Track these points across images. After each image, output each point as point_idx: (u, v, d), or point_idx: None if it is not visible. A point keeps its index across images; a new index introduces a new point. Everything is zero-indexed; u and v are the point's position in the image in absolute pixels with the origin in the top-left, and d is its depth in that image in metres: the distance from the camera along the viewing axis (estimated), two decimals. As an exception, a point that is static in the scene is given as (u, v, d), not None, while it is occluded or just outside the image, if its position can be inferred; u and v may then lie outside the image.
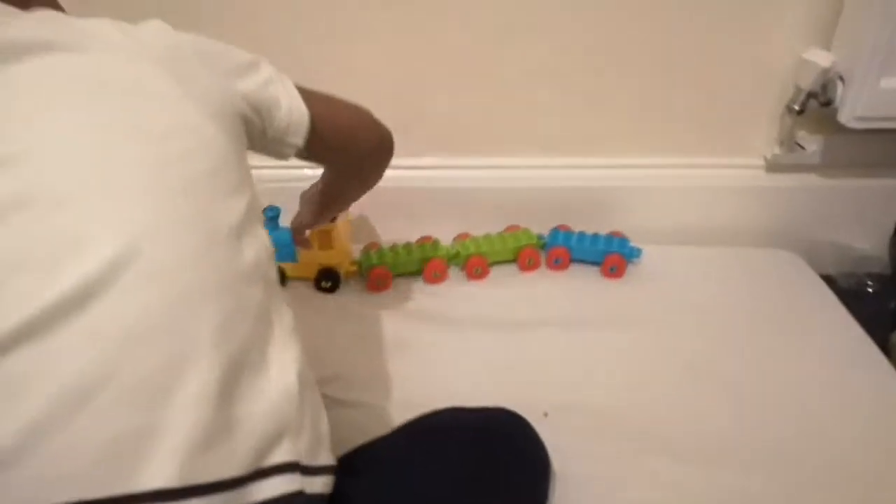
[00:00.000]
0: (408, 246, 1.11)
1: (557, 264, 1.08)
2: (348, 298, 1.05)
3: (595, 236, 1.10)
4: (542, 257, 1.10)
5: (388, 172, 0.80)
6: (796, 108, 1.05)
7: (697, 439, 0.79)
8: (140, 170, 0.45)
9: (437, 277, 1.07)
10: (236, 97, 0.54)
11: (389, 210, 1.13)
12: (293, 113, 0.60)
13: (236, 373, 0.44)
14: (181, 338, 0.43)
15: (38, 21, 0.48)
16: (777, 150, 1.12)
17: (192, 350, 0.43)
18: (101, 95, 0.46)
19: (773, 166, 1.14)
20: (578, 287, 1.05)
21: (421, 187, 1.14)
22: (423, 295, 1.05)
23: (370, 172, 0.79)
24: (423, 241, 1.13)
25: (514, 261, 1.10)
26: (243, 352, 0.46)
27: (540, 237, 1.10)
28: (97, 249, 0.41)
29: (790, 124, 1.09)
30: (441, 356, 0.92)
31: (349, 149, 0.73)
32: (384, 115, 0.73)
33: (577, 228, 1.12)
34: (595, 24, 1.02)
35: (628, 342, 0.93)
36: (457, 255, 1.09)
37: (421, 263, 1.08)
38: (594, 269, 1.07)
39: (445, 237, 1.14)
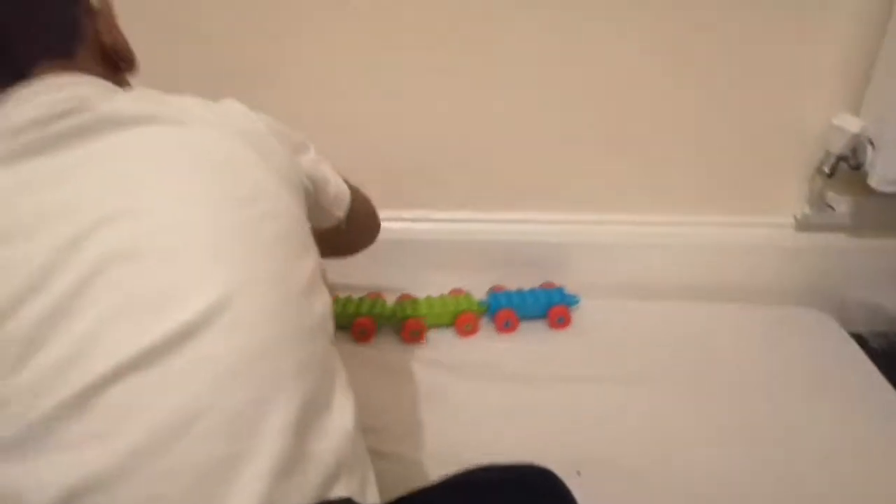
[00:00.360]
0: (349, 299, 1.09)
1: (508, 327, 1.05)
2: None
3: (534, 291, 1.09)
4: (481, 322, 1.06)
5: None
6: (826, 171, 1.06)
7: (729, 502, 0.79)
8: (232, 231, 0.51)
9: (363, 335, 1.04)
10: (300, 170, 0.60)
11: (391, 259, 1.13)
12: (339, 189, 0.69)
13: (309, 413, 0.49)
14: (264, 378, 0.48)
15: (140, 97, 0.54)
16: (807, 210, 1.13)
17: (273, 389, 0.48)
18: (198, 163, 0.52)
19: (802, 225, 1.14)
20: (570, 343, 1.04)
21: (419, 239, 1.15)
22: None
23: (360, 247, 0.88)
24: (372, 296, 1.10)
25: (451, 325, 1.06)
26: (314, 395, 0.50)
27: (481, 303, 1.08)
28: (195, 299, 0.46)
29: (820, 186, 1.10)
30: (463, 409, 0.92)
31: (363, 226, 0.82)
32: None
33: (599, 284, 1.12)
34: (627, 84, 1.05)
35: (651, 398, 0.93)
36: (393, 315, 1.05)
37: (353, 318, 1.05)
38: (542, 324, 1.06)
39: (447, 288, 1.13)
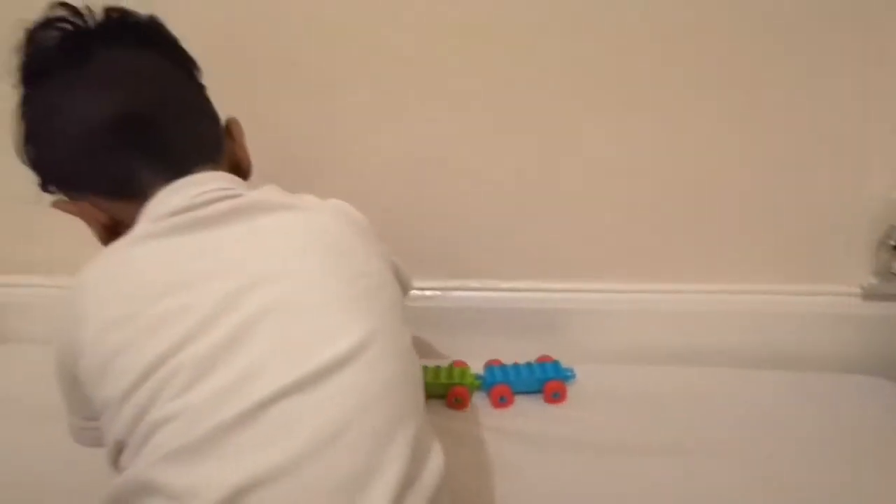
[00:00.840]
0: None
1: (503, 402, 1.02)
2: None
3: (529, 365, 1.07)
4: (472, 397, 1.03)
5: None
6: (892, 244, 1.03)
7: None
8: (357, 294, 0.62)
9: None
10: (389, 255, 0.72)
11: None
12: (406, 270, 0.78)
13: (420, 445, 0.58)
14: (392, 407, 0.57)
15: (273, 190, 0.67)
16: (873, 280, 1.09)
17: (398, 418, 0.57)
18: (322, 241, 0.64)
19: (869, 294, 1.09)
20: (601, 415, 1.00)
21: (445, 307, 1.16)
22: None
23: None
24: None
25: (443, 397, 1.03)
26: (422, 431, 0.60)
27: (477, 377, 1.05)
28: (341, 341, 0.57)
29: (886, 257, 1.06)
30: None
31: None
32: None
33: (670, 355, 1.12)
34: (684, 150, 1.04)
35: (700, 468, 0.89)
36: None
37: None
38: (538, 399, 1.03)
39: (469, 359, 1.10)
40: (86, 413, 0.64)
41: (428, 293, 1.16)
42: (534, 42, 0.97)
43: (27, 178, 0.69)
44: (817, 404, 1.03)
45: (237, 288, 0.58)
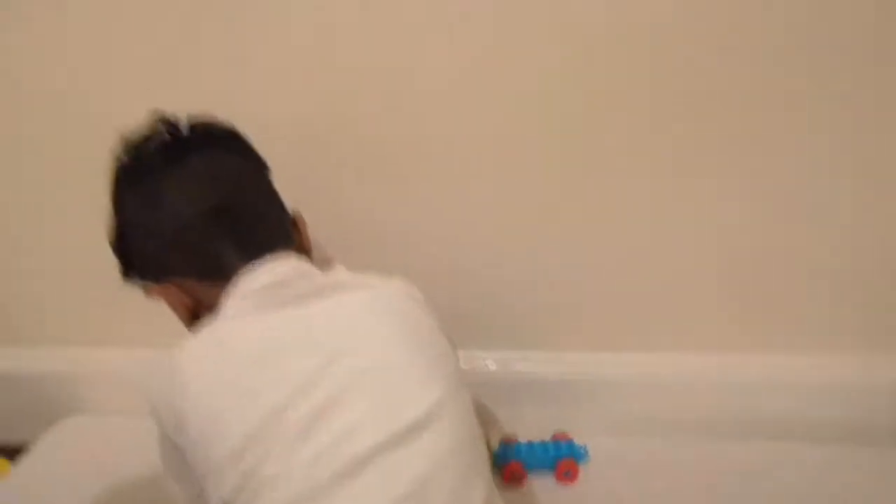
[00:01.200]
0: None
1: (515, 480, 1.03)
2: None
3: (543, 444, 1.07)
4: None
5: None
6: None
7: None
8: (426, 362, 0.69)
9: None
10: (443, 328, 0.77)
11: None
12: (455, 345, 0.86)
13: (490, 492, 0.66)
14: (466, 464, 0.65)
15: (343, 271, 0.77)
16: None
17: (474, 472, 0.66)
18: (392, 315, 0.72)
19: None
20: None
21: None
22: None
23: None
24: None
25: None
26: (491, 486, 0.67)
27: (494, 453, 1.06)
28: (420, 403, 0.65)
29: None
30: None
31: None
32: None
33: (724, 426, 1.10)
34: (742, 222, 1.02)
35: None
36: None
37: None
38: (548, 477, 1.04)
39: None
40: (190, 478, 0.70)
41: (492, 367, 1.17)
42: (591, 122, 0.98)
43: (109, 254, 0.79)
44: (867, 481, 1.00)
45: (327, 358, 0.65)
